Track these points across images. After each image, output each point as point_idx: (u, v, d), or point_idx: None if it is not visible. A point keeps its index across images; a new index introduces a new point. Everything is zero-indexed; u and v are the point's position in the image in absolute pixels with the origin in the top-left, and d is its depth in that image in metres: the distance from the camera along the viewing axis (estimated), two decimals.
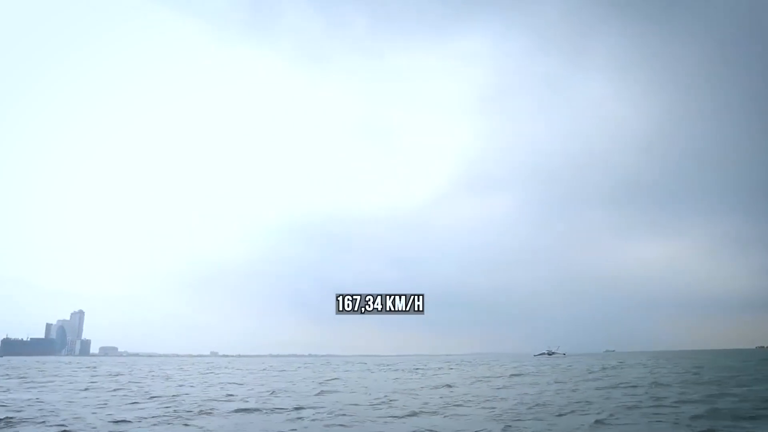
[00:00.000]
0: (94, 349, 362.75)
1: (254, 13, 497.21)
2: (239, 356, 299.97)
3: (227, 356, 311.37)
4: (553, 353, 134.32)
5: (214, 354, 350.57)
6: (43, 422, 15.59)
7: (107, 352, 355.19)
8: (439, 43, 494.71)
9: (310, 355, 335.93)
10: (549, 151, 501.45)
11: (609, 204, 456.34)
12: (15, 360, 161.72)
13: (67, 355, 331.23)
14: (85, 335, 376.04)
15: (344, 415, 16.93)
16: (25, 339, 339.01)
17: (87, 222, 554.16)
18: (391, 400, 21.22)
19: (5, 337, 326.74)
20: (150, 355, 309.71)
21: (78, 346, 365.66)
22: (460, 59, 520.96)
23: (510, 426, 14.30)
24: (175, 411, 17.97)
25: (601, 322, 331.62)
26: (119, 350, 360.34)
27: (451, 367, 62.16)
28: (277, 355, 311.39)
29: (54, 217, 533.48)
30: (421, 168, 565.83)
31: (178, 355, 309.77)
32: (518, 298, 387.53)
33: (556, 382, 30.66)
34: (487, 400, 20.78)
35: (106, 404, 20.59)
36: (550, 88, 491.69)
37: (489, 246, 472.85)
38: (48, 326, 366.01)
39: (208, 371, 56.92)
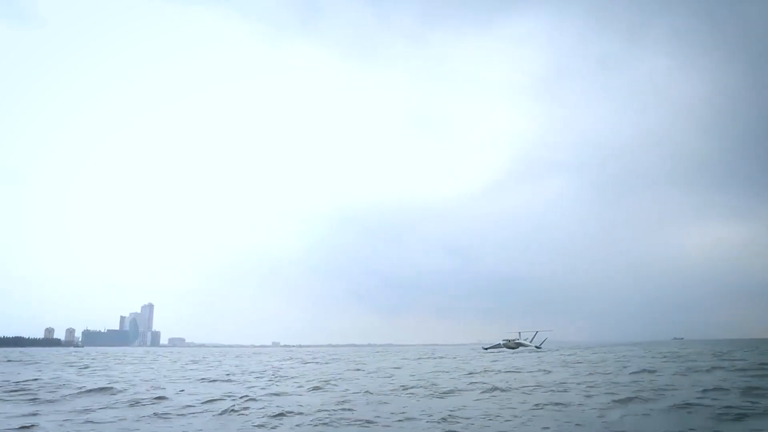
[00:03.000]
0: (163, 340, 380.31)
1: (303, 11, 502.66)
2: (299, 346, 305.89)
3: (288, 346, 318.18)
4: (519, 345, 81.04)
5: (275, 344, 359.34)
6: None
7: (175, 343, 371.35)
8: (490, 27, 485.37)
9: (369, 345, 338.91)
10: (607, 133, 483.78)
11: (673, 185, 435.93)
12: (97, 349, 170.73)
13: (139, 345, 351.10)
14: (154, 327, 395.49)
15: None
16: (102, 330, 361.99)
17: (155, 221, 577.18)
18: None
19: (86, 329, 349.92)
20: (215, 346, 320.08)
21: (149, 337, 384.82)
22: (513, 43, 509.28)
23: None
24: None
25: (669, 308, 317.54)
26: (186, 341, 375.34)
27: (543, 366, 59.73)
28: (336, 345, 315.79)
29: (125, 217, 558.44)
30: (475, 156, 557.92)
31: (241, 346, 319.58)
32: (580, 284, 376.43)
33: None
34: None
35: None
36: (607, 68, 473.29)
37: (547, 231, 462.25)
38: (122, 319, 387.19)
39: (313, 360, 56.49)
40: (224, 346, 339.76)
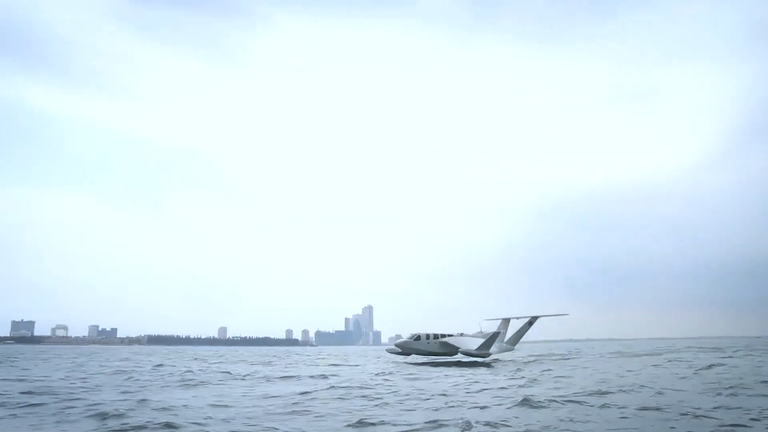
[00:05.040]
0: (384, 339, 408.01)
1: (477, 8, 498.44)
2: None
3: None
4: (449, 343, 51.12)
5: None
6: None
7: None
8: None
9: (587, 339, 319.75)
10: None
11: None
12: (328, 348, 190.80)
13: (363, 344, 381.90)
14: (375, 327, 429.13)
15: None
16: (330, 331, 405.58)
17: (371, 230, 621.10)
18: None
19: (317, 330, 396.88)
20: None
21: (371, 337, 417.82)
22: None
23: None
24: None
25: None
26: None
27: None
28: (551, 341, 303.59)
29: (345, 228, 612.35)
30: (687, 126, 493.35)
31: None
32: None
33: None
34: None
35: None
36: None
37: None
38: (346, 320, 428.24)
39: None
40: None
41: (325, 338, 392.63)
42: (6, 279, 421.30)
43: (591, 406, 16.98)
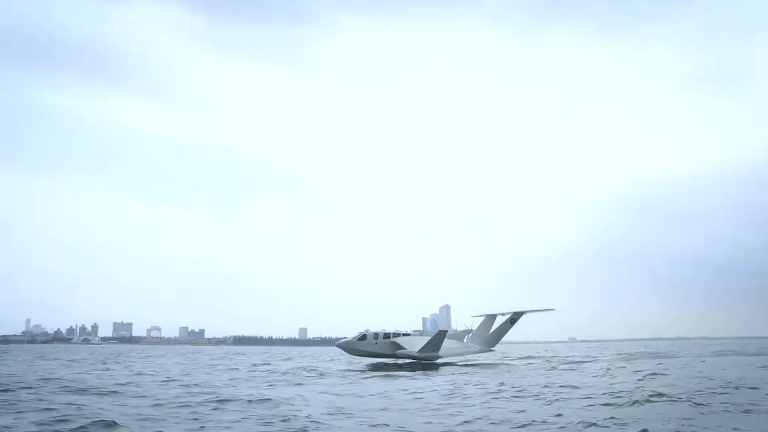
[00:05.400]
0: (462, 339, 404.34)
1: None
2: (597, 341, 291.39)
3: (585, 341, 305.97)
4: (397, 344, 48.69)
5: (572, 340, 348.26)
6: None
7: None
8: None
9: (678, 338, 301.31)
10: None
11: None
12: None
13: None
14: (453, 326, 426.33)
15: None
16: (408, 332, 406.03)
17: (448, 227, 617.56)
18: None
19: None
20: (511, 343, 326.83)
21: None
22: None
23: None
24: None
25: None
26: None
27: None
28: (639, 339, 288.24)
29: (417, 227, 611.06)
30: None
31: (537, 342, 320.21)
32: None
33: None
34: None
35: None
36: None
37: None
38: (423, 320, 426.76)
39: None
40: (520, 342, 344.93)
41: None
42: (107, 284, 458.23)
43: None
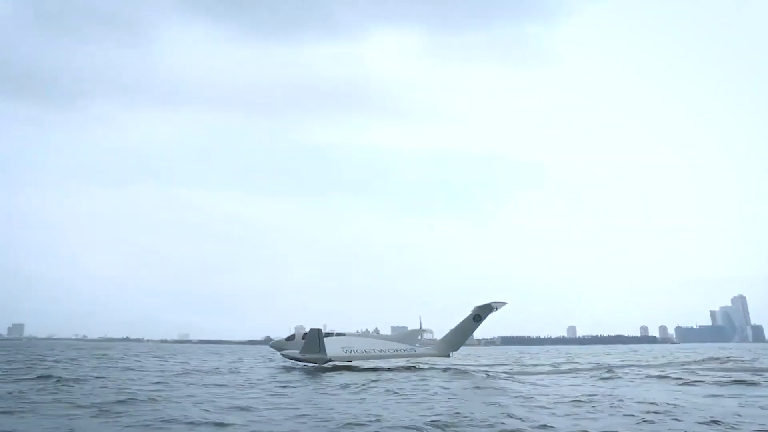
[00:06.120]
0: (767, 334, 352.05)
1: None
2: None
3: None
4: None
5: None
6: None
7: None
8: None
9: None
10: None
11: None
12: (692, 345, 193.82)
13: (740, 341, 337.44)
14: (753, 321, 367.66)
15: None
16: (694, 327, 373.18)
17: (733, 205, 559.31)
18: None
19: (677, 325, 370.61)
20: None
21: (749, 332, 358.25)
22: None
23: None
24: None
25: None
26: None
27: None
28: None
29: (700, 207, 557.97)
30: None
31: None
32: None
33: None
34: None
35: None
36: None
37: None
38: (712, 313, 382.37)
39: None
40: None
41: (687, 334, 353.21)
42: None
43: None
